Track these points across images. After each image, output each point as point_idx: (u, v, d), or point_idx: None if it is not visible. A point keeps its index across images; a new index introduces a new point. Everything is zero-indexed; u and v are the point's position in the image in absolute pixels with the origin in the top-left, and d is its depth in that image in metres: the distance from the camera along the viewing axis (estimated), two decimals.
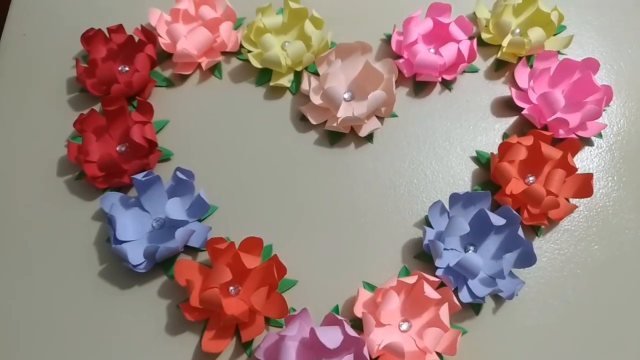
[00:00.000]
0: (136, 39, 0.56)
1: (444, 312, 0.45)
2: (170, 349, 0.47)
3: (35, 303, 0.49)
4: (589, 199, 0.52)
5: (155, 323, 0.48)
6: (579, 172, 0.51)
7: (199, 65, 0.58)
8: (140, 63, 0.55)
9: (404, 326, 0.46)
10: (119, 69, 0.56)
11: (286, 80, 0.57)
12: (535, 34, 0.55)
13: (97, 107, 0.55)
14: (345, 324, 0.43)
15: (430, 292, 0.45)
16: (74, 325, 0.48)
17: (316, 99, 0.54)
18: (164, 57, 0.59)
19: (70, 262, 0.50)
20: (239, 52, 0.59)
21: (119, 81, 0.54)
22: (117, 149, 0.53)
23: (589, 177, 0.50)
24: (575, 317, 0.48)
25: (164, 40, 0.57)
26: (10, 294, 0.49)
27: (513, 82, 0.57)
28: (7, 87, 0.59)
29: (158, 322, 0.48)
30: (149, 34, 0.57)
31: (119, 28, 0.57)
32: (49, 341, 0.47)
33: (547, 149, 0.50)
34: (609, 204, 0.53)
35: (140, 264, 0.47)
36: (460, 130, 0.56)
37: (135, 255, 0.47)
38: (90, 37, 0.56)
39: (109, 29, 0.56)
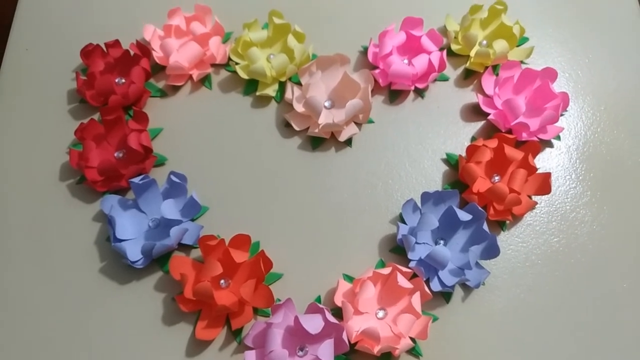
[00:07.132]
0: (132, 53, 0.57)
1: (416, 300, 0.46)
2: (167, 337, 0.48)
3: (41, 297, 0.50)
4: (548, 196, 0.54)
5: (152, 314, 0.49)
6: (539, 171, 0.52)
7: (190, 77, 0.59)
8: (136, 75, 0.56)
9: (380, 314, 0.47)
10: (116, 81, 0.57)
11: (271, 90, 0.58)
12: (499, 45, 0.57)
13: (96, 117, 0.57)
14: (326, 312, 0.44)
15: (403, 282, 0.46)
16: (77, 317, 0.49)
17: (299, 107, 0.56)
18: (158, 69, 0.60)
19: (73, 260, 0.51)
20: (227, 64, 0.61)
21: (116, 92, 0.55)
22: (115, 155, 0.54)
23: (547, 176, 0.51)
24: (537, 304, 0.50)
25: (157, 54, 0.58)
26: (18, 289, 0.50)
27: (480, 90, 0.58)
28: (12, 98, 0.59)
29: (155, 313, 0.49)
30: (143, 48, 0.58)
31: (116, 43, 0.58)
32: (54, 332, 0.49)
33: (510, 150, 0.51)
34: (567, 200, 0.55)
35: (138, 260, 0.49)
36: (432, 135, 0.57)
37: (134, 252, 0.49)
38: (89, 52, 0.57)
39: (106, 44, 0.57)
